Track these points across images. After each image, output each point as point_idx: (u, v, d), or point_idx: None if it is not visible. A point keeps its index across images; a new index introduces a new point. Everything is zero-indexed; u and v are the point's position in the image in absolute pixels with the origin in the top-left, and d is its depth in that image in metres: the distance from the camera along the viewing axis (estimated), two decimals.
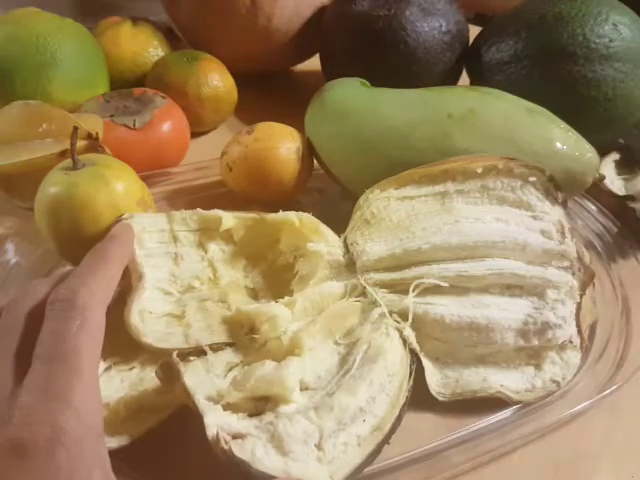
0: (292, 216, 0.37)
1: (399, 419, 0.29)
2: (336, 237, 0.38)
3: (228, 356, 0.32)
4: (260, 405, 0.29)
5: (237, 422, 0.27)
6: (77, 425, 0.21)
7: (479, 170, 0.36)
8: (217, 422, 0.26)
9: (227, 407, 0.28)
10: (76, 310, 0.24)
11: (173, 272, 0.34)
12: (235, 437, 0.26)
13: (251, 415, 0.29)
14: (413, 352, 0.32)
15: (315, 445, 0.27)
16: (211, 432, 0.25)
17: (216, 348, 0.32)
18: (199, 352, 0.32)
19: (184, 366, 0.28)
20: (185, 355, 0.31)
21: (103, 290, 0.26)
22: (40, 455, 0.20)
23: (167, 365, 0.28)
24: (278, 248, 0.38)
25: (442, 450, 0.30)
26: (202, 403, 0.27)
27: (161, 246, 0.35)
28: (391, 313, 0.33)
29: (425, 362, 0.32)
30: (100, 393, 0.24)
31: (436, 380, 0.32)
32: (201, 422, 0.26)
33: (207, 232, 0.37)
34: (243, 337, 0.33)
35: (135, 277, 0.32)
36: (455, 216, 0.35)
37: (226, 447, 0.25)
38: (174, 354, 0.28)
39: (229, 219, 0.37)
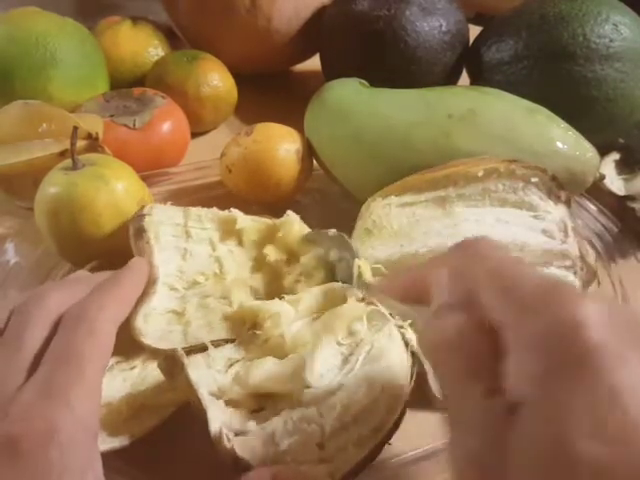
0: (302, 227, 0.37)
1: (399, 420, 0.29)
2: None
3: (229, 352, 0.32)
4: (262, 402, 0.29)
5: (239, 419, 0.27)
6: (72, 424, 0.21)
7: (480, 174, 0.36)
8: (220, 418, 0.26)
9: (229, 403, 0.28)
10: (85, 321, 0.25)
11: (181, 268, 0.34)
12: (237, 434, 0.26)
13: (253, 411, 0.29)
14: (415, 354, 0.32)
15: (316, 444, 0.27)
16: (214, 428, 0.26)
17: (217, 344, 0.32)
18: (200, 349, 0.32)
19: (188, 359, 0.28)
20: (187, 353, 0.31)
21: (114, 309, 0.27)
22: (32, 451, 0.20)
23: (171, 358, 0.28)
24: (286, 253, 0.38)
25: (442, 450, 0.30)
26: (206, 398, 0.27)
27: (173, 240, 0.35)
28: (393, 315, 0.33)
29: (427, 362, 0.32)
30: (100, 398, 0.24)
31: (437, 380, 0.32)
32: (202, 420, 0.26)
33: (219, 231, 0.37)
34: (245, 333, 0.33)
35: (150, 280, 0.32)
36: (455, 220, 0.35)
37: (229, 445, 0.25)
38: (179, 347, 0.28)
39: (244, 220, 0.37)
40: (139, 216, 0.34)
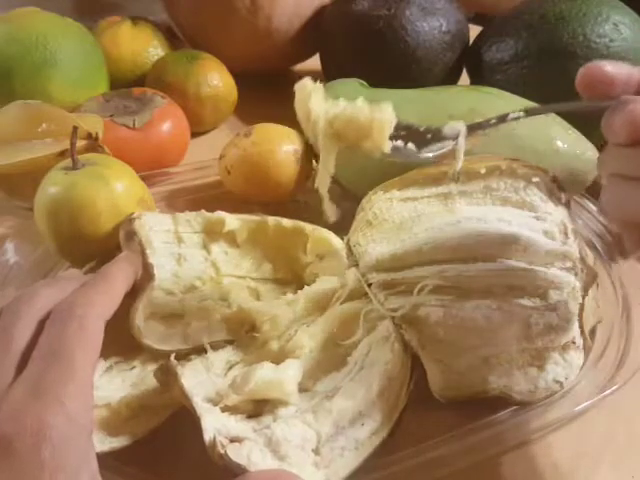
0: (295, 225, 0.37)
1: (398, 424, 0.29)
2: (340, 240, 0.38)
3: (228, 354, 0.32)
4: (259, 406, 0.29)
5: (235, 425, 0.27)
6: (65, 422, 0.21)
7: (482, 171, 0.36)
8: (215, 425, 0.26)
9: (225, 409, 0.28)
10: (74, 317, 0.24)
11: (176, 272, 0.34)
12: (232, 440, 0.26)
13: (250, 416, 0.29)
14: (415, 354, 0.32)
15: (312, 450, 0.27)
16: (208, 436, 0.25)
17: (216, 346, 0.32)
18: (199, 351, 0.32)
19: (182, 367, 0.28)
20: (185, 355, 0.31)
21: (103, 304, 0.27)
22: (25, 450, 0.20)
23: (165, 367, 0.28)
24: (282, 251, 0.38)
25: (442, 450, 0.30)
26: (200, 406, 0.27)
27: (166, 246, 0.35)
28: (393, 316, 0.33)
29: (427, 364, 0.32)
30: (92, 396, 0.24)
31: (438, 381, 0.32)
32: (200, 423, 0.26)
33: (211, 234, 0.37)
34: (243, 335, 0.33)
35: (145, 278, 0.32)
36: (457, 217, 0.35)
37: (222, 451, 0.25)
38: (172, 356, 0.28)
39: (232, 221, 0.37)
40: (129, 220, 0.34)
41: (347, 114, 0.28)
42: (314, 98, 0.28)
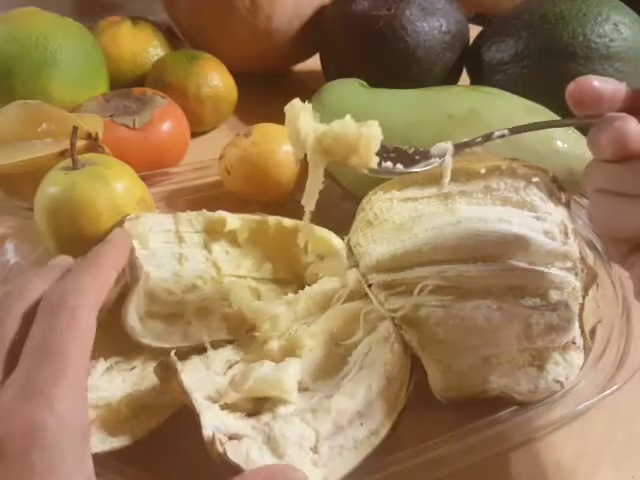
0: (295, 224, 0.37)
1: (397, 424, 0.29)
2: (340, 240, 0.38)
3: (228, 353, 0.32)
4: (259, 404, 0.29)
5: (234, 422, 0.27)
6: (56, 424, 0.21)
7: (482, 171, 0.36)
8: (214, 422, 0.26)
9: (225, 407, 0.28)
10: (65, 310, 0.23)
11: (177, 272, 0.34)
12: (231, 438, 0.26)
13: (250, 414, 0.29)
14: (415, 355, 0.32)
15: (311, 448, 0.27)
16: (207, 432, 0.25)
17: (216, 345, 0.32)
18: (199, 350, 0.32)
19: (182, 364, 0.28)
20: (185, 353, 0.31)
21: (95, 292, 0.25)
22: (15, 452, 0.20)
23: (165, 364, 0.28)
24: (282, 251, 0.38)
25: (442, 450, 0.30)
26: (199, 403, 0.27)
27: (166, 246, 0.35)
28: (393, 316, 0.33)
29: (428, 364, 0.32)
30: (86, 395, 0.23)
31: (439, 382, 0.32)
32: (199, 420, 0.26)
33: (212, 233, 0.37)
34: (244, 334, 0.33)
35: (131, 278, 0.32)
36: (457, 217, 0.35)
37: (221, 449, 0.25)
38: (172, 352, 0.28)
39: (233, 220, 0.37)
40: (121, 221, 0.34)
41: (335, 131, 0.28)
42: (303, 117, 0.29)
